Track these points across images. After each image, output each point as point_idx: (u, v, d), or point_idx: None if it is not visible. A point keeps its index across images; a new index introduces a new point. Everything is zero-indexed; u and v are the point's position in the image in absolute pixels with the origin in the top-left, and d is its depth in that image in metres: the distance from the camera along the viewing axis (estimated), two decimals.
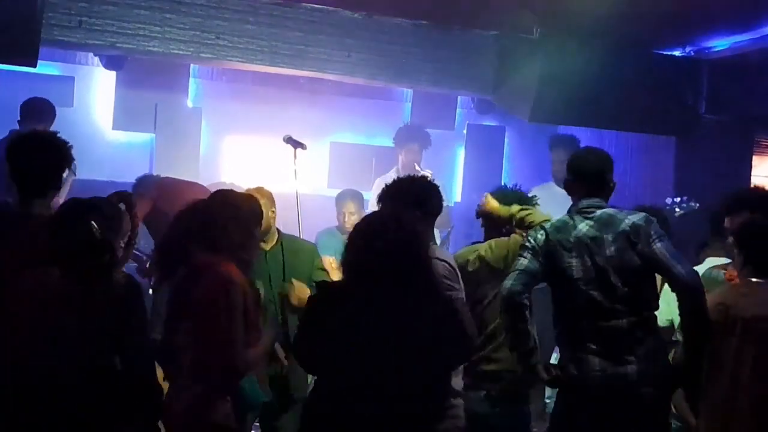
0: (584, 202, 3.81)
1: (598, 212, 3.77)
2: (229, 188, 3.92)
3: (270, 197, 4.34)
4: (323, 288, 3.42)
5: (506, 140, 8.28)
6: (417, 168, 6.68)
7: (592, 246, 3.70)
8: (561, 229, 3.78)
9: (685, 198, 6.06)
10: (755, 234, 3.73)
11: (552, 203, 4.57)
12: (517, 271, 3.74)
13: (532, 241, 3.80)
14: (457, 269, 3.81)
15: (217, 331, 3.30)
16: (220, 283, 3.34)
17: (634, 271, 3.68)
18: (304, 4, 6.06)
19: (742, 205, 4.07)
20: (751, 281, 3.68)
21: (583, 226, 3.75)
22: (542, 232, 3.80)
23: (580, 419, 3.71)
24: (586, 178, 3.86)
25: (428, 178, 4.17)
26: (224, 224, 3.48)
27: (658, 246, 3.67)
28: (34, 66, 5.43)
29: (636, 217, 3.75)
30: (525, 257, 3.77)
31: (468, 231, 6.73)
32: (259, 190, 4.32)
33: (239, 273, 3.43)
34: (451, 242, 6.47)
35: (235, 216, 3.53)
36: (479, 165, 8.01)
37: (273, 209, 4.33)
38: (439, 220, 6.30)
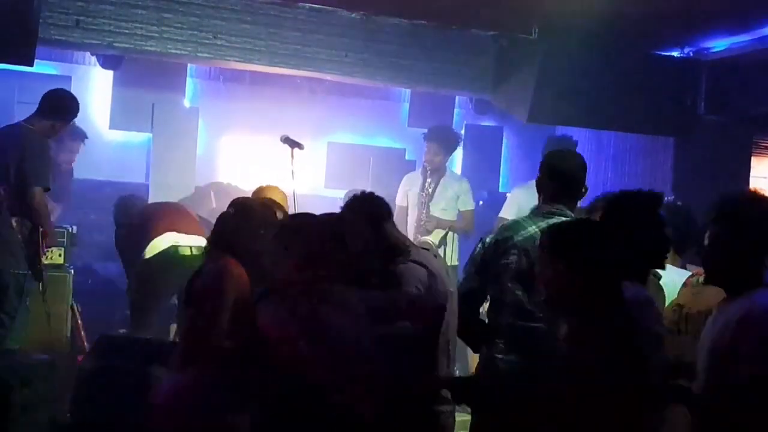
0: (545, 207, 3.76)
1: (554, 219, 3.62)
2: (245, 196, 4.21)
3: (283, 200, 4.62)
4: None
5: (504, 140, 8.27)
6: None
7: (532, 249, 3.54)
8: (508, 228, 3.78)
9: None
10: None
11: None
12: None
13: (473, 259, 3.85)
14: (437, 275, 3.70)
15: (203, 316, 3.47)
16: (214, 274, 3.55)
17: None
18: (301, 3, 6.04)
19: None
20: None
21: (533, 228, 3.68)
22: (479, 245, 3.82)
23: None
24: (560, 179, 3.79)
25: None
26: (239, 232, 3.71)
27: None
28: (31, 65, 5.40)
29: None
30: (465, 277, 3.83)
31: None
32: (272, 190, 4.64)
33: (238, 268, 3.58)
34: (447, 243, 6.45)
35: (249, 227, 3.73)
36: (477, 165, 8.01)
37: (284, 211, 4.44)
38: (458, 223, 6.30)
